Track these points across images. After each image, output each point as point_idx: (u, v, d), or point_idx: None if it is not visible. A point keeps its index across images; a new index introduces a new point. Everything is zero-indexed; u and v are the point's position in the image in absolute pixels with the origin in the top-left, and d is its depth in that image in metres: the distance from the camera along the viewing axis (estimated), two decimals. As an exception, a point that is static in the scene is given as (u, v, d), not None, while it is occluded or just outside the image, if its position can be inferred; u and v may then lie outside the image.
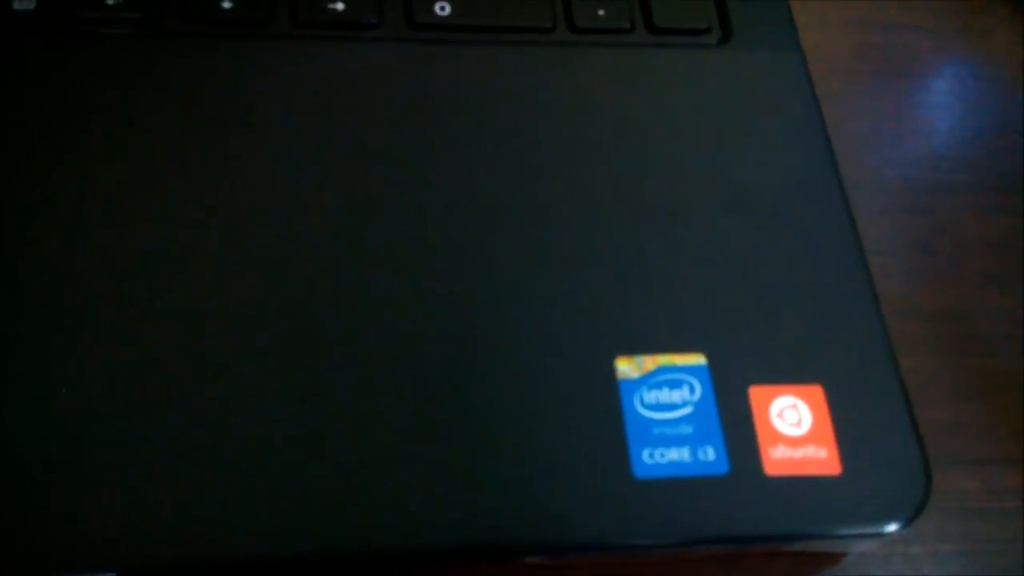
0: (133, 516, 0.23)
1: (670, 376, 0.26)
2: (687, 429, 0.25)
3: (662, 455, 0.25)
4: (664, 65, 0.31)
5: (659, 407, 0.25)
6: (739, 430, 0.25)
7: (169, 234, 0.26)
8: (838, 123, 0.33)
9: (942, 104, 0.37)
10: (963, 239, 0.34)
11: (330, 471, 0.24)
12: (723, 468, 0.25)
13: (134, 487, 0.23)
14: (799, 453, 0.25)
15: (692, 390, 0.26)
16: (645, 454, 0.25)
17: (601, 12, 0.32)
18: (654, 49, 0.32)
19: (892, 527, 0.25)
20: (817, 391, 0.26)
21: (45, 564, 0.22)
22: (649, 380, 0.26)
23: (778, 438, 0.25)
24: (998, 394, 0.30)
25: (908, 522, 0.25)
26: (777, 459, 0.25)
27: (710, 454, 0.25)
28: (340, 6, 0.30)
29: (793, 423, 0.26)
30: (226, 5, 0.30)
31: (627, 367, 0.26)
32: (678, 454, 0.25)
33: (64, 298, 0.25)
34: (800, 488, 0.25)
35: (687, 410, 0.25)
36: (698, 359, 0.26)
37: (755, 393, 0.26)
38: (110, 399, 0.24)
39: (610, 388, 0.25)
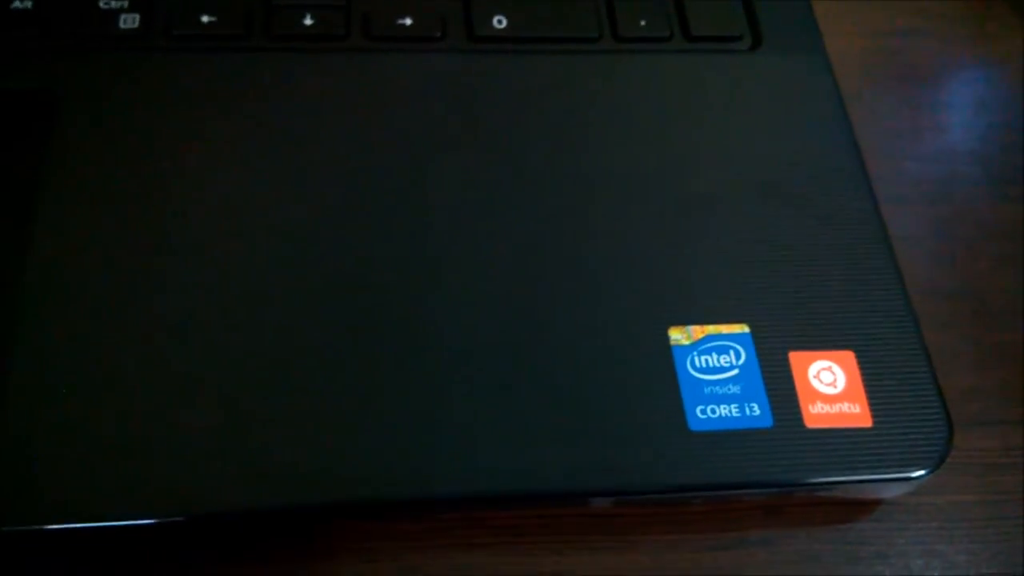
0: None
1: (717, 343, 0.29)
2: (735, 388, 0.28)
3: (713, 411, 0.28)
4: (701, 69, 0.34)
5: (709, 370, 0.28)
6: (781, 389, 0.28)
7: (251, 228, 0.30)
8: (860, 122, 0.36)
9: (955, 104, 0.40)
10: (978, 225, 0.36)
11: (407, 424, 0.27)
12: (768, 422, 0.28)
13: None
14: (835, 408, 0.28)
15: (738, 355, 0.29)
16: (698, 410, 0.28)
17: (643, 22, 0.35)
18: (691, 55, 0.35)
19: (919, 472, 0.28)
20: (849, 356, 0.29)
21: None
22: (699, 346, 0.29)
23: (816, 395, 0.28)
24: (1012, 364, 0.33)
25: (934, 468, 0.28)
26: (815, 413, 0.28)
27: (756, 409, 0.28)
28: (408, 21, 0.34)
29: (829, 383, 0.29)
30: (307, 22, 0.33)
31: (679, 335, 0.29)
32: (727, 410, 0.28)
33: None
34: (836, 439, 0.28)
35: (734, 372, 0.28)
36: (742, 328, 0.29)
37: (794, 357, 0.29)
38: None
39: (665, 353, 0.28)
